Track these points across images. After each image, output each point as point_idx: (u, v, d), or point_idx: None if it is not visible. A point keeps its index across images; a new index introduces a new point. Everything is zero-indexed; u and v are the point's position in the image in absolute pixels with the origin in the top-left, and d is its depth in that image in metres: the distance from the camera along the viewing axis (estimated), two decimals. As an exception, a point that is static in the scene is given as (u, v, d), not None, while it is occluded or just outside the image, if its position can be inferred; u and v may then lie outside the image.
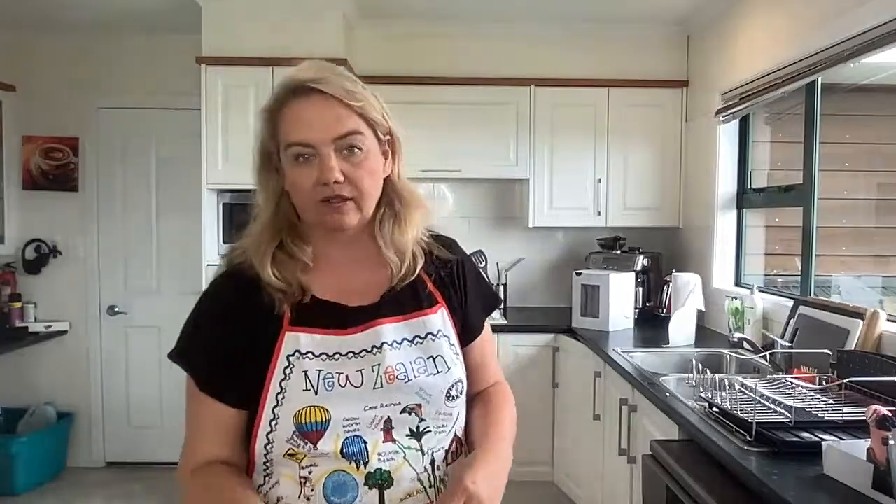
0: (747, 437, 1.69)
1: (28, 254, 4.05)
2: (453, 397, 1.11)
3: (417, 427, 1.07)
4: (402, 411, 1.06)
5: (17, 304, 3.91)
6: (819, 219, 2.74)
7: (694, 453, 1.87)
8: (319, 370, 1.03)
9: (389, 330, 1.08)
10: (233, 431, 1.06)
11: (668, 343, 3.02)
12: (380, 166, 1.10)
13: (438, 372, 1.09)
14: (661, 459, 1.96)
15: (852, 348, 2.16)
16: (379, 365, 1.05)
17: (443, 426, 1.10)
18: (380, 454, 1.03)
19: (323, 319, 1.07)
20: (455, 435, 1.13)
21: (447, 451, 1.10)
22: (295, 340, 1.04)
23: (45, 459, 3.88)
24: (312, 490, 1.02)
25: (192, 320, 1.10)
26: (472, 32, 3.84)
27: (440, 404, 1.09)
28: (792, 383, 2.00)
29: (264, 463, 1.05)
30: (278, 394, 1.02)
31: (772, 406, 1.79)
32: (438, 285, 1.17)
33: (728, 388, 1.97)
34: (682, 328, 3.08)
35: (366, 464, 1.02)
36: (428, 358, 1.09)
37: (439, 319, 1.13)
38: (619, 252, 3.81)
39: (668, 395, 2.17)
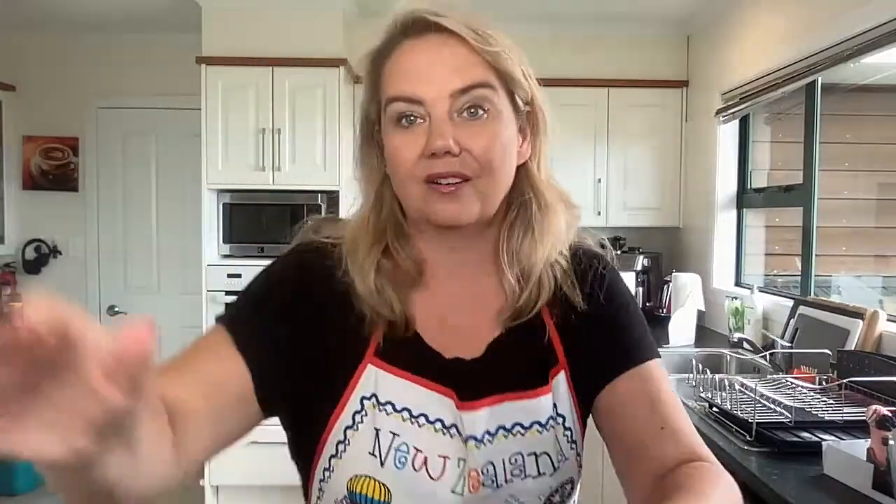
0: (747, 437, 1.69)
1: (28, 254, 4.05)
2: (556, 503, 0.81)
3: None
4: None
5: (18, 304, 3.90)
6: (819, 219, 2.74)
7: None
8: (395, 434, 0.76)
9: (482, 418, 0.78)
10: (228, 405, 0.73)
11: (668, 343, 3.02)
12: (514, 141, 0.80)
13: (540, 474, 0.79)
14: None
15: (852, 348, 2.16)
16: (464, 460, 0.77)
17: None
18: None
19: (414, 359, 0.79)
20: None
21: None
22: (375, 379, 0.78)
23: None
24: None
25: (253, 292, 0.82)
26: (472, 32, 3.83)
27: None
28: (792, 383, 2.00)
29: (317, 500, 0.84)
30: (340, 442, 0.77)
31: (772, 406, 1.79)
32: (564, 334, 0.84)
33: (728, 388, 1.97)
34: (682, 328, 3.08)
35: None
36: (529, 454, 0.79)
37: (550, 400, 0.81)
38: (619, 252, 3.80)
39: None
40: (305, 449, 0.80)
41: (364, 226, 0.81)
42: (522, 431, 0.79)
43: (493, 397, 0.79)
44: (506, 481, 0.78)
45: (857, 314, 2.25)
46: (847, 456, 1.43)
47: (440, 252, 0.83)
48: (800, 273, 2.84)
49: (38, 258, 4.06)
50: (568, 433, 0.81)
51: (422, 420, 0.77)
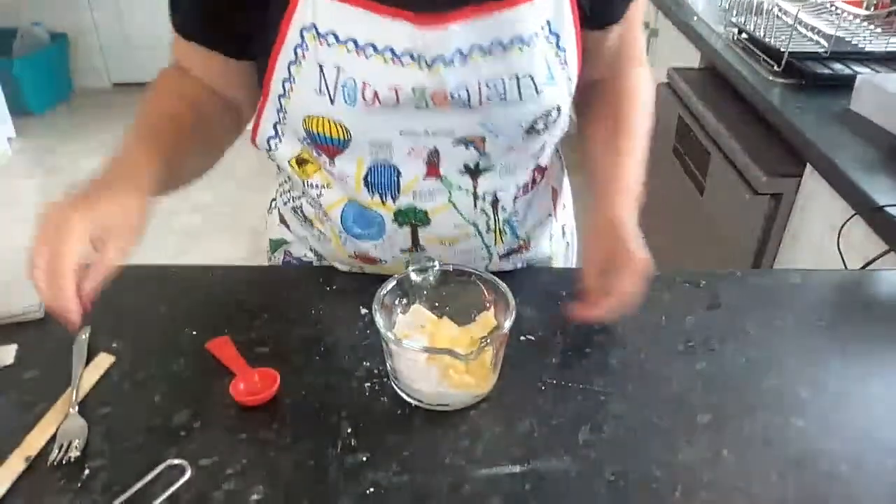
0: (775, 68, 1.58)
1: None
2: (538, 131, 0.74)
3: (477, 164, 0.75)
4: (457, 143, 0.72)
5: None
6: None
7: (714, 83, 1.79)
8: (338, 68, 0.66)
9: (451, 36, 0.65)
10: (230, 76, 0.77)
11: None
12: None
13: (521, 99, 0.69)
14: (676, 88, 1.89)
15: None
16: (422, 89, 0.67)
17: (513, 166, 0.78)
18: (416, 191, 0.75)
19: None
20: (537, 165, 0.82)
21: (520, 187, 0.81)
22: (313, 5, 0.65)
23: (50, 81, 3.85)
24: (326, 216, 0.81)
25: None
26: None
27: (515, 139, 0.74)
28: (837, 8, 1.81)
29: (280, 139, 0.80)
30: (285, 80, 0.70)
31: (808, 34, 1.65)
32: None
33: (765, 13, 1.79)
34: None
35: (395, 199, 0.76)
36: (510, 78, 0.68)
37: (537, 11, 0.67)
38: None
39: (695, 18, 2.00)
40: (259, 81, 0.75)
41: None
42: (502, 51, 0.66)
43: (462, 10, 0.64)
44: (480, 103, 0.68)
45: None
46: (880, 91, 1.34)
47: None
48: None
49: None
50: (561, 54, 0.71)
51: (369, 51, 0.65)
